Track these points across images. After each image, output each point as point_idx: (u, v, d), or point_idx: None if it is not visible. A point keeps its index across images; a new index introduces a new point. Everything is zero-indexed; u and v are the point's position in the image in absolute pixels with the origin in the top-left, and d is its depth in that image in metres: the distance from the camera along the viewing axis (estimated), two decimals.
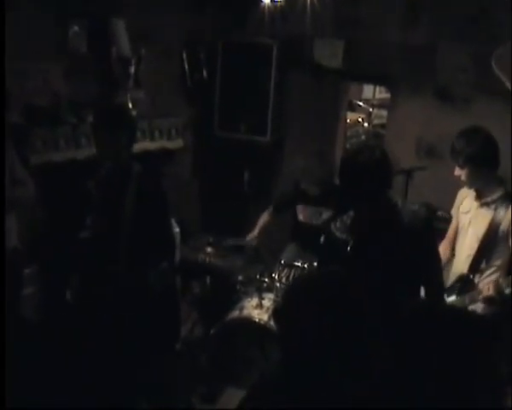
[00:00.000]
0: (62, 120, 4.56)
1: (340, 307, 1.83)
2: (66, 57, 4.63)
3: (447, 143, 5.34)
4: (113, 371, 3.64)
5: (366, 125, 8.25)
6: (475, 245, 3.91)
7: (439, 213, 5.35)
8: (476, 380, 1.82)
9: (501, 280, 3.69)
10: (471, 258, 3.92)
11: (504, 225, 3.80)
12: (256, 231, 5.17)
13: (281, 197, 5.36)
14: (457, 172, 3.86)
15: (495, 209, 3.85)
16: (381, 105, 8.05)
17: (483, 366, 1.86)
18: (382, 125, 7.74)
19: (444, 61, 5.22)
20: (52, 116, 4.47)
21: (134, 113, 4.93)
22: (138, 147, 4.74)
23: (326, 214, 5.07)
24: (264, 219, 5.27)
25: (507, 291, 3.71)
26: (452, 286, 3.93)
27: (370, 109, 8.27)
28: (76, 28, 4.62)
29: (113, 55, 4.88)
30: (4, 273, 3.46)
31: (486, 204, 3.91)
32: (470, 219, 4.02)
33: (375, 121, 8.29)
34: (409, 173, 4.66)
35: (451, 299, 3.86)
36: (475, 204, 3.98)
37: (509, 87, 4.92)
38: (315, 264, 4.60)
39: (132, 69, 5.04)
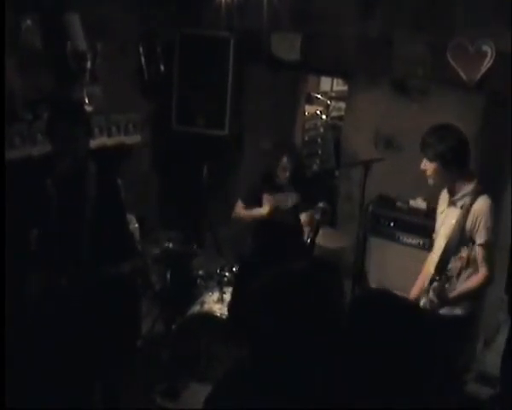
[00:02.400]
0: (17, 117, 4.48)
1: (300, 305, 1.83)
2: (20, 52, 4.54)
3: (404, 135, 5.45)
4: (72, 369, 3.60)
5: (324, 117, 8.30)
6: (442, 245, 3.90)
7: (398, 203, 5.42)
8: (431, 369, 1.85)
9: (445, 286, 3.73)
10: (437, 259, 3.92)
11: (469, 224, 3.77)
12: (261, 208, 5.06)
13: (250, 189, 5.32)
14: (424, 166, 3.83)
15: (461, 207, 3.82)
16: (339, 97, 8.10)
17: (437, 354, 1.89)
18: (340, 118, 7.79)
19: (400, 52, 5.26)
20: (7, 113, 4.39)
21: (91, 108, 4.88)
22: (95, 143, 4.70)
23: (292, 199, 5.09)
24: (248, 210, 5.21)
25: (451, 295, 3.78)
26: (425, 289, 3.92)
27: (328, 102, 8.32)
28: (29, 22, 4.53)
29: (68, 50, 4.81)
30: (4, 273, 3.41)
31: (454, 203, 3.89)
32: (443, 219, 4.00)
33: (333, 114, 8.35)
34: (367, 165, 4.69)
35: (422, 302, 3.88)
36: (446, 203, 3.98)
37: (465, 78, 4.99)
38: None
39: (88, 64, 4.96)
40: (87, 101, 4.92)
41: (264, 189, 5.17)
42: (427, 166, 3.81)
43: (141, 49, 5.71)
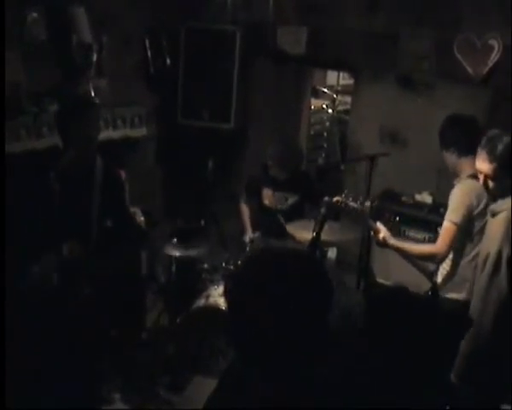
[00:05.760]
0: (23, 110, 4.48)
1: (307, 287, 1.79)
2: (25, 45, 4.54)
3: (410, 129, 5.44)
4: (78, 362, 3.61)
5: (330, 111, 8.29)
6: None
7: (403, 198, 5.41)
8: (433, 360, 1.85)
9: None
10: None
11: None
12: (249, 229, 5.28)
13: (251, 182, 5.39)
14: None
15: None
16: (345, 91, 8.09)
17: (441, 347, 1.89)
18: (346, 112, 7.79)
19: (406, 47, 5.24)
20: (12, 106, 4.39)
21: (96, 101, 4.88)
22: (101, 136, 4.69)
23: (292, 200, 5.13)
24: (246, 212, 5.34)
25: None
26: None
27: (334, 96, 8.32)
28: (35, 15, 4.52)
29: (73, 43, 4.80)
30: (4, 273, 3.40)
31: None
32: None
33: (339, 108, 8.34)
34: (372, 159, 4.69)
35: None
36: None
37: (471, 73, 4.97)
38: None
39: (94, 57, 4.97)
40: (93, 94, 4.92)
41: (265, 182, 5.22)
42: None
43: (146, 43, 5.70)
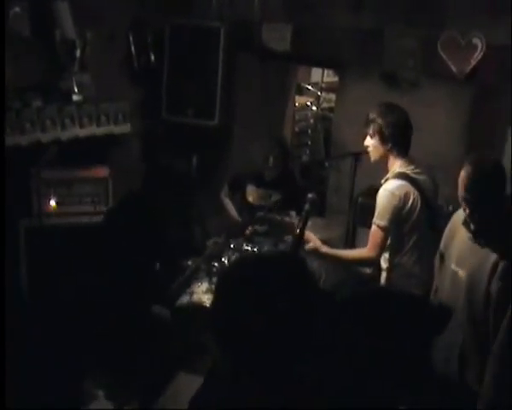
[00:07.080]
0: (6, 106, 4.45)
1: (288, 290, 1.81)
2: (8, 40, 4.50)
3: None
4: (69, 362, 3.60)
5: (314, 108, 8.31)
6: None
7: None
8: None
9: None
10: None
11: None
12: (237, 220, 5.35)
13: (235, 178, 5.42)
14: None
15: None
16: (330, 89, 8.11)
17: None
18: (331, 109, 7.80)
19: (391, 45, 5.25)
20: None
21: (80, 97, 4.86)
22: (85, 132, 4.68)
23: (275, 197, 5.14)
24: (230, 205, 5.36)
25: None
26: None
27: (319, 93, 8.34)
28: (17, 10, 4.49)
29: (57, 39, 4.77)
30: (4, 273, 3.39)
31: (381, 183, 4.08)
32: None
33: (324, 105, 8.37)
34: (356, 157, 4.70)
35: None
36: None
37: (455, 70, 4.99)
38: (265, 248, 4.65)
39: (77, 52, 4.93)
40: (76, 90, 4.89)
41: (250, 180, 5.24)
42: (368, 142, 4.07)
43: (131, 39, 5.67)
